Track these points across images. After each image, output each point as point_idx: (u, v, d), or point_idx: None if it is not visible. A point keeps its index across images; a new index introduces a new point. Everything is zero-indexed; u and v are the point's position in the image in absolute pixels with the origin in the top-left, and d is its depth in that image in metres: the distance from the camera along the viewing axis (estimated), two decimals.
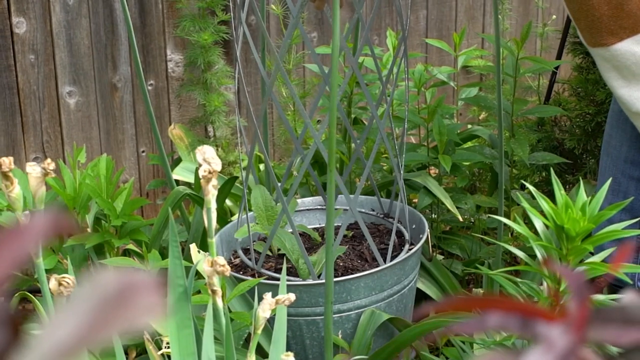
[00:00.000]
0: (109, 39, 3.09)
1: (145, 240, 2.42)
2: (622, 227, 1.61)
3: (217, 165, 1.43)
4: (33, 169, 1.41)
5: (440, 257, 2.74)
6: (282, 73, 2.01)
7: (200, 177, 1.41)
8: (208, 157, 1.43)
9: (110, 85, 3.14)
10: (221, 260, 1.43)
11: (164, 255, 2.50)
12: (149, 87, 3.20)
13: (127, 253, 2.59)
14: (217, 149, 3.12)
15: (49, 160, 1.39)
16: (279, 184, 2.20)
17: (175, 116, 3.28)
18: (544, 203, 1.56)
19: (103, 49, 3.09)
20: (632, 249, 2.15)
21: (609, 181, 1.70)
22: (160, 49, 3.18)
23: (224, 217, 2.70)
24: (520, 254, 1.64)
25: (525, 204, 1.62)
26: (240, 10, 2.09)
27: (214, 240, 1.46)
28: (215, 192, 1.44)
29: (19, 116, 3.02)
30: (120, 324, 0.28)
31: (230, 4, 2.36)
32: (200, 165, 1.41)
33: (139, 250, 2.40)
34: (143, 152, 3.27)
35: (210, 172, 1.41)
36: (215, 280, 1.45)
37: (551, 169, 1.71)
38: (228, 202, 2.87)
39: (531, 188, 1.63)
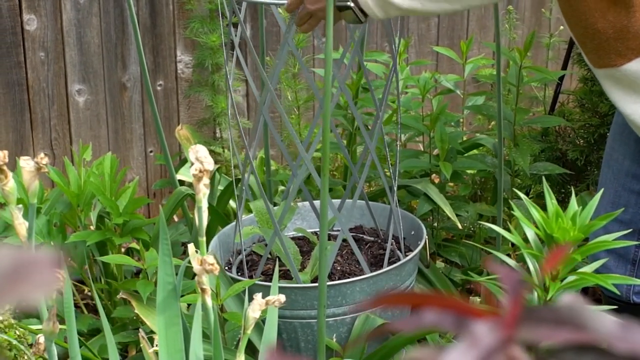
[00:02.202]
0: (119, 39, 3.11)
1: (146, 239, 2.43)
2: (613, 238, 1.61)
3: (209, 164, 1.44)
4: (27, 163, 1.42)
5: (442, 264, 2.74)
6: (273, 97, 2.03)
7: (192, 175, 1.42)
8: (200, 156, 1.45)
9: (120, 85, 3.16)
10: (210, 259, 1.44)
11: None
12: (158, 88, 3.22)
13: (130, 251, 2.61)
14: (224, 150, 3.14)
15: (42, 154, 1.40)
16: (276, 215, 2.21)
17: (184, 117, 3.30)
18: (534, 212, 1.57)
19: (113, 48, 3.11)
20: (629, 260, 2.14)
21: (600, 192, 1.70)
22: (171, 49, 3.20)
23: (226, 219, 2.72)
24: (510, 262, 1.65)
25: (517, 213, 1.63)
26: (233, 31, 2.11)
27: (204, 239, 1.47)
28: (207, 191, 1.45)
29: (28, 113, 3.05)
30: (13, 297, 0.29)
31: (223, 44, 2.37)
32: (192, 164, 1.43)
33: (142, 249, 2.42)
34: (151, 152, 3.29)
35: (201, 171, 1.43)
36: (204, 278, 1.46)
37: (544, 178, 1.71)
38: (232, 203, 2.89)
39: (523, 197, 1.63)
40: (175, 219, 3.06)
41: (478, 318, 0.50)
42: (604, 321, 0.50)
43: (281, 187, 2.88)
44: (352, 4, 1.88)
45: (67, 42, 3.03)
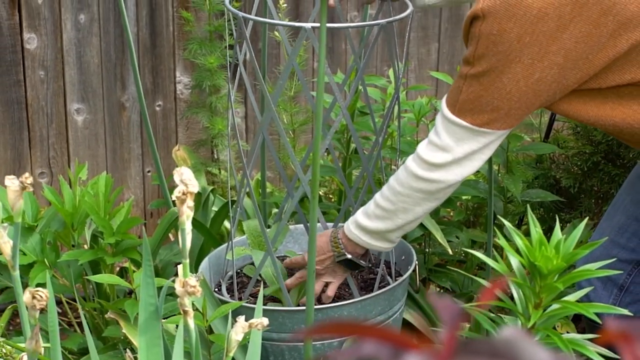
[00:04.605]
0: (119, 59, 3.12)
1: (137, 259, 2.43)
2: (597, 267, 1.61)
3: (194, 187, 1.45)
4: (12, 183, 1.43)
5: (434, 290, 2.74)
6: (274, 117, 2.05)
7: (175, 197, 1.43)
8: (185, 179, 1.45)
9: (119, 105, 3.17)
10: (192, 281, 1.44)
11: (157, 274, 2.52)
12: (157, 108, 3.23)
13: (124, 270, 2.61)
14: (220, 172, 3.15)
15: (27, 174, 1.41)
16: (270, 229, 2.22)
17: (182, 138, 3.31)
18: (518, 240, 1.57)
19: (113, 68, 3.12)
20: (617, 286, 2.14)
21: (585, 220, 1.71)
22: (170, 70, 3.22)
23: (220, 240, 2.72)
24: None
25: (502, 241, 1.63)
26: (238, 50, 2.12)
27: (187, 261, 1.47)
28: (191, 214, 1.45)
29: (27, 131, 3.06)
30: None
31: (227, 65, 2.38)
32: (177, 185, 1.44)
33: (135, 269, 2.42)
34: (149, 172, 3.30)
35: (184, 194, 1.43)
36: (187, 300, 1.47)
37: (528, 206, 1.72)
38: (227, 224, 2.89)
39: (507, 225, 1.64)
40: (172, 238, 3.06)
41: (413, 350, 0.50)
42: (539, 354, 0.50)
43: (274, 210, 2.89)
44: (349, 256, 2.08)
45: (67, 61, 3.04)
